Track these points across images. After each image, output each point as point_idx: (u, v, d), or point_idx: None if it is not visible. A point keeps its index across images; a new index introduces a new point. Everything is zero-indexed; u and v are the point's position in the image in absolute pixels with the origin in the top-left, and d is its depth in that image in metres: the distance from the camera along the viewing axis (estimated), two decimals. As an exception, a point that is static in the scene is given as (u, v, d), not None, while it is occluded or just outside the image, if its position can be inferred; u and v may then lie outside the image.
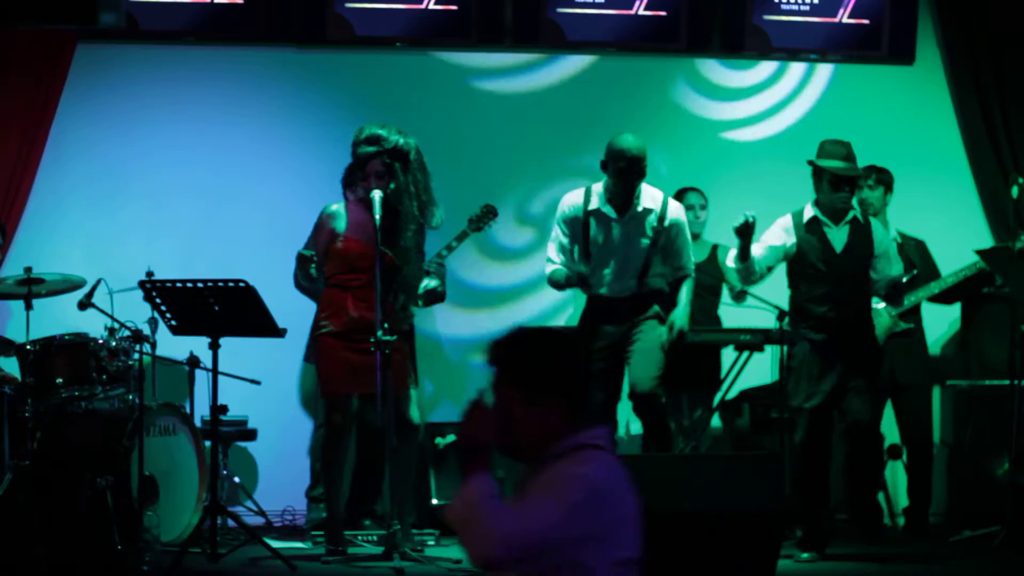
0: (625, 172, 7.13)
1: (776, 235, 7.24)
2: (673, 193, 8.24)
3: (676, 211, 7.30)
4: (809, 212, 7.23)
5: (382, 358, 6.73)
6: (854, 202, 7.31)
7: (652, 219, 7.23)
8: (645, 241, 7.21)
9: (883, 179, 8.07)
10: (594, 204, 7.23)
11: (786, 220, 7.28)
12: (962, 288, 8.16)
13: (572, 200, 7.32)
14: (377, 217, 6.86)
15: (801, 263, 7.21)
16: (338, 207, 7.18)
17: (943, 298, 8.30)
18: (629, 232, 7.21)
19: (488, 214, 7.92)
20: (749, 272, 7.19)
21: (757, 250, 7.17)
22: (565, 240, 7.31)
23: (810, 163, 7.25)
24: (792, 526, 7.39)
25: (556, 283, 7.37)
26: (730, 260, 7.31)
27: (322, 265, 7.14)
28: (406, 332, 7.28)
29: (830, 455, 7.21)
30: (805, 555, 7.13)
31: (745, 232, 7.06)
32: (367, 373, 6.81)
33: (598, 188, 7.28)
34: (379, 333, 6.73)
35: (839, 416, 7.17)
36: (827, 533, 7.22)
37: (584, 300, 7.41)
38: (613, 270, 7.22)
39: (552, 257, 7.34)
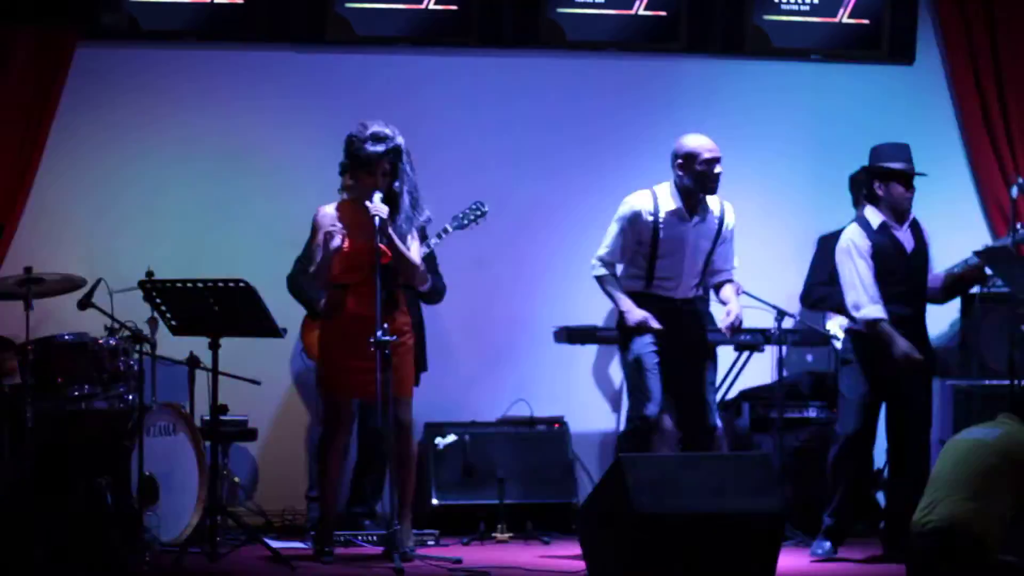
0: (710, 172, 7.11)
1: (863, 261, 7.27)
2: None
3: (733, 215, 7.33)
4: (877, 217, 7.31)
5: (382, 358, 6.73)
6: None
7: (715, 222, 7.24)
8: (707, 244, 7.23)
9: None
10: (667, 205, 7.17)
11: (855, 234, 7.30)
12: (956, 287, 8.14)
13: (641, 201, 7.21)
14: (378, 218, 6.85)
15: (878, 265, 7.27)
16: (330, 208, 7.16)
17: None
18: (698, 235, 7.21)
19: (473, 211, 7.89)
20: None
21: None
22: (626, 241, 7.20)
23: (874, 167, 7.28)
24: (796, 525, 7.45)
25: (603, 289, 7.29)
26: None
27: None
28: (415, 326, 7.26)
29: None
30: (821, 550, 7.18)
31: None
32: (368, 377, 6.79)
33: (664, 190, 7.21)
34: (378, 333, 6.73)
35: (898, 409, 7.27)
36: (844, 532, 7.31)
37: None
38: (679, 273, 7.20)
39: (604, 258, 7.24)
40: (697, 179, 7.13)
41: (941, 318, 8.63)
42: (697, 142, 7.16)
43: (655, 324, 7.08)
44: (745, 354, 8.20)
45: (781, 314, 7.66)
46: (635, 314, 7.11)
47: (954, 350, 8.72)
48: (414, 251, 7.09)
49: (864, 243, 7.26)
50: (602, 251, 7.27)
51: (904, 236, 7.34)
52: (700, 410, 7.21)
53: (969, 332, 8.46)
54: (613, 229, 7.25)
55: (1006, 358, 7.79)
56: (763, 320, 8.07)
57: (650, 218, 7.16)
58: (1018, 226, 8.02)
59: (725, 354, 8.30)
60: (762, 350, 8.24)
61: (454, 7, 8.61)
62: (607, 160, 8.83)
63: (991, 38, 8.93)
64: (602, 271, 7.27)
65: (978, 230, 8.93)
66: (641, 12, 8.75)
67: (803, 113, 9.03)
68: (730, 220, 7.30)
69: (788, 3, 8.86)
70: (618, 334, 7.36)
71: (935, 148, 9.00)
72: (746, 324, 8.12)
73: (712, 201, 7.27)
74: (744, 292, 7.88)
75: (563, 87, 8.87)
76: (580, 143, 8.84)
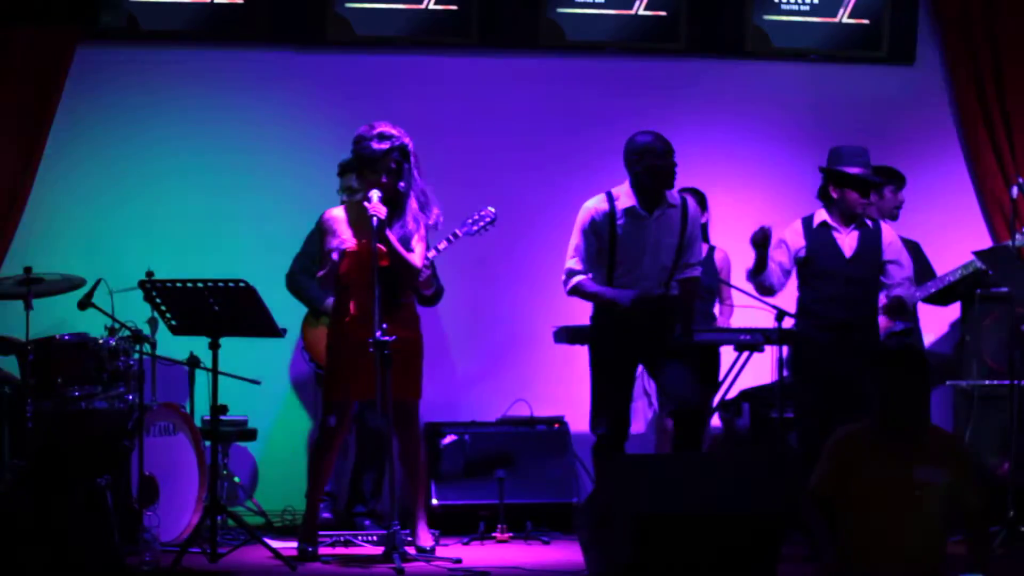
0: (661, 168, 7.05)
1: (785, 249, 7.30)
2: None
3: (695, 208, 7.28)
4: (820, 217, 7.31)
5: (381, 358, 6.73)
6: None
7: (676, 215, 7.17)
8: (672, 240, 7.18)
9: (897, 181, 8.14)
10: (624, 204, 7.12)
11: (796, 225, 7.37)
12: (957, 288, 8.16)
13: (597, 205, 7.16)
14: (376, 219, 6.85)
15: (810, 265, 7.26)
16: (339, 211, 7.17)
17: (939, 299, 8.30)
18: (659, 230, 7.13)
19: (483, 218, 7.88)
20: (763, 286, 7.25)
21: (772, 266, 7.26)
22: (589, 247, 7.15)
23: (829, 170, 7.27)
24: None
25: (589, 295, 7.19)
26: (743, 273, 7.36)
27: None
28: (418, 333, 7.27)
29: None
30: None
31: (762, 242, 7.11)
32: (371, 379, 6.80)
33: (621, 190, 7.17)
34: (377, 334, 6.73)
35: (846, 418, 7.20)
36: None
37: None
38: (644, 269, 7.13)
39: (575, 268, 7.17)
40: (652, 175, 7.07)
41: (941, 318, 8.64)
42: (645, 141, 7.10)
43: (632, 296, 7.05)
44: (745, 354, 8.20)
45: (781, 314, 7.65)
46: (625, 294, 7.04)
47: (954, 350, 8.72)
48: (418, 253, 7.07)
49: (795, 241, 7.25)
50: (569, 263, 7.19)
51: (845, 240, 7.28)
52: (676, 398, 7.12)
53: (969, 332, 8.47)
54: (575, 238, 7.18)
55: (1006, 358, 7.80)
56: (763, 320, 8.07)
57: (606, 218, 7.11)
58: (1022, 229, 8.04)
59: (725, 354, 8.30)
60: (762, 350, 8.23)
61: (454, 7, 8.61)
62: (607, 160, 8.81)
63: (991, 38, 8.94)
64: (575, 279, 7.16)
65: (978, 230, 8.93)
66: (641, 12, 8.76)
67: (803, 113, 9.03)
68: (694, 212, 7.21)
69: (788, 3, 8.86)
70: (590, 340, 7.32)
71: (935, 148, 9.01)
72: (746, 324, 8.14)
73: (671, 195, 7.21)
74: (744, 292, 7.89)
75: (563, 87, 8.88)
76: (580, 143, 8.85)
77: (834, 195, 7.29)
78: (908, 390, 5.44)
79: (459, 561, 6.93)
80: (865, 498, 5.42)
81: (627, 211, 7.11)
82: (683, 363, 7.12)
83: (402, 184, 7.02)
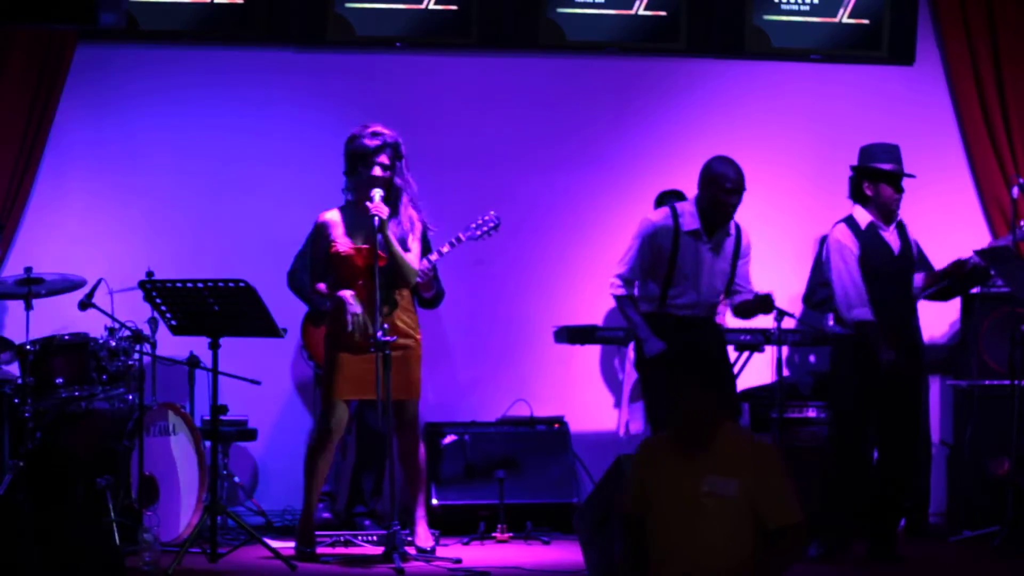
0: (729, 199, 7.07)
1: (852, 261, 7.26)
2: (658, 196, 8.25)
3: (749, 236, 7.29)
4: (865, 217, 7.31)
5: (381, 359, 6.73)
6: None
7: (731, 243, 7.20)
8: (726, 266, 7.18)
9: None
10: (688, 225, 7.11)
11: (843, 233, 7.30)
12: (954, 286, 8.14)
13: (661, 219, 7.16)
14: (377, 218, 6.86)
15: (864, 267, 7.25)
16: (333, 213, 7.17)
17: (939, 296, 8.29)
18: (715, 256, 7.15)
19: (487, 223, 7.88)
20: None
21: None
22: (644, 259, 7.13)
23: (864, 167, 7.28)
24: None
25: (621, 310, 7.22)
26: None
27: (326, 272, 7.14)
28: (417, 334, 7.26)
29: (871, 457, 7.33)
30: (813, 552, 7.18)
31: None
32: (370, 379, 6.80)
33: (686, 208, 7.16)
34: (378, 334, 6.73)
35: (887, 416, 7.24)
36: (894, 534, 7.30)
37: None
38: (696, 294, 7.13)
39: (627, 275, 7.15)
40: (712, 204, 7.10)
41: (941, 318, 8.63)
42: (722, 167, 7.11)
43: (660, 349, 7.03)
44: (745, 354, 8.20)
45: (781, 314, 7.65)
46: (654, 345, 7.04)
47: (954, 350, 8.72)
48: (414, 253, 7.08)
49: (852, 243, 7.26)
50: (621, 268, 7.18)
51: (891, 237, 7.34)
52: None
53: (969, 332, 8.46)
54: (633, 246, 7.18)
55: (1006, 358, 7.80)
56: (763, 320, 8.07)
57: (669, 237, 7.11)
58: (1022, 223, 8.03)
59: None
60: (762, 350, 8.24)
61: (454, 7, 8.61)
62: (607, 160, 8.83)
63: (991, 38, 8.93)
64: (621, 291, 7.17)
65: (978, 230, 8.93)
66: (641, 12, 8.75)
67: (803, 113, 9.02)
68: (746, 240, 7.26)
69: (788, 3, 8.85)
70: (635, 359, 7.35)
71: (935, 148, 9.01)
72: (746, 324, 8.14)
73: (729, 222, 7.25)
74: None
75: (563, 87, 8.87)
76: (580, 143, 8.84)
77: (868, 192, 7.32)
78: (689, 395, 4.86)
79: (459, 561, 6.94)
80: (661, 512, 4.88)
81: (689, 232, 7.11)
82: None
83: (398, 179, 7.03)
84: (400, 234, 7.05)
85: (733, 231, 7.22)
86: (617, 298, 7.20)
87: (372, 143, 7.03)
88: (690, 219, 7.13)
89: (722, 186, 7.07)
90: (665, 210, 7.21)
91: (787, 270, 8.76)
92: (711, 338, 7.21)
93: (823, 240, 8.27)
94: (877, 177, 7.31)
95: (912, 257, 7.40)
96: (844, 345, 7.28)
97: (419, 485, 7.23)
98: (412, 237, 7.10)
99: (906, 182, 7.96)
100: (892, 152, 7.36)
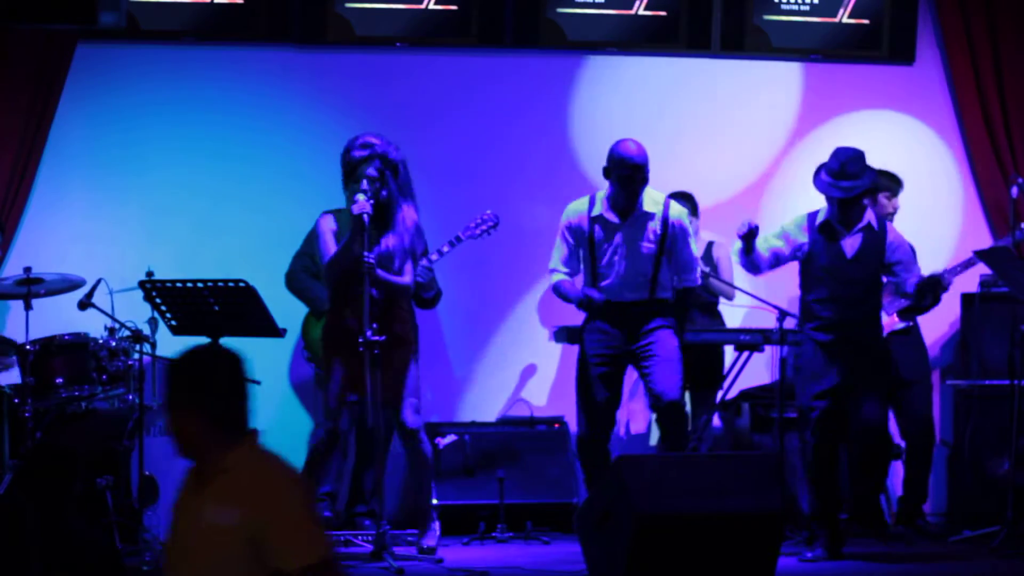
0: (628, 179, 7.13)
1: (788, 231, 7.31)
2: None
3: (677, 214, 7.28)
4: (824, 215, 7.28)
5: (371, 358, 6.74)
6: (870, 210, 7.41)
7: (654, 223, 7.21)
8: (648, 246, 7.20)
9: (893, 187, 8.11)
10: (597, 210, 7.22)
11: (801, 219, 7.35)
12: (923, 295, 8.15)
13: (576, 207, 7.31)
14: (365, 215, 6.85)
15: (811, 265, 7.26)
16: (334, 214, 7.17)
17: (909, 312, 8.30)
18: (633, 237, 7.19)
19: (486, 222, 7.88)
20: (755, 264, 7.26)
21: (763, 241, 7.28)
22: (569, 248, 7.30)
23: (816, 183, 7.27)
24: (799, 525, 7.46)
25: (563, 295, 7.35)
26: (733, 254, 7.38)
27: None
28: (412, 338, 7.26)
29: (838, 456, 7.26)
30: (811, 554, 7.17)
31: (748, 237, 7.13)
32: (363, 378, 6.81)
33: (602, 194, 7.27)
34: (368, 333, 6.73)
35: (848, 418, 7.22)
36: (842, 533, 7.26)
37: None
38: (620, 276, 7.20)
39: (557, 266, 7.33)
40: (621, 184, 7.15)
41: (941, 318, 8.63)
42: (621, 150, 7.17)
43: (597, 296, 7.12)
44: (745, 354, 8.20)
45: (782, 314, 7.65)
46: (593, 294, 7.14)
47: (954, 350, 8.72)
48: (406, 277, 7.08)
49: (798, 237, 7.26)
50: (552, 263, 7.35)
51: (848, 239, 7.25)
52: (653, 392, 7.17)
53: (969, 332, 8.47)
54: (557, 239, 7.34)
55: (1006, 358, 7.80)
56: (763, 320, 8.07)
57: (582, 222, 7.23)
58: (1022, 225, 8.03)
59: (725, 354, 8.31)
60: (762, 350, 8.23)
61: (454, 7, 8.61)
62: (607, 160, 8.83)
63: (991, 38, 8.93)
64: (552, 280, 7.33)
65: (978, 230, 8.93)
66: (641, 12, 8.75)
67: (803, 113, 9.02)
68: (674, 218, 7.23)
69: (788, 3, 8.85)
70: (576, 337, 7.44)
71: (935, 148, 9.01)
72: (746, 324, 8.14)
73: (655, 201, 7.24)
74: (744, 292, 7.89)
75: (563, 87, 8.87)
76: (580, 143, 8.84)
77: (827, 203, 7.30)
78: (172, 413, 4.30)
79: (440, 561, 6.93)
80: (171, 542, 4.36)
81: (598, 217, 7.21)
82: (665, 358, 7.16)
83: (384, 192, 7.01)
84: (390, 248, 7.02)
85: (662, 209, 7.22)
86: (552, 287, 7.34)
87: (359, 154, 7.03)
88: (601, 204, 7.22)
89: (620, 171, 7.13)
90: (584, 198, 7.32)
91: (787, 269, 8.75)
92: (642, 317, 7.18)
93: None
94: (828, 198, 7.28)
95: (874, 264, 7.28)
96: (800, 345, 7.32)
97: (426, 486, 7.22)
98: (403, 252, 7.06)
99: (907, 182, 7.98)
100: (840, 166, 7.16)
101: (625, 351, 7.21)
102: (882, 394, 7.34)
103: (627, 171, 7.12)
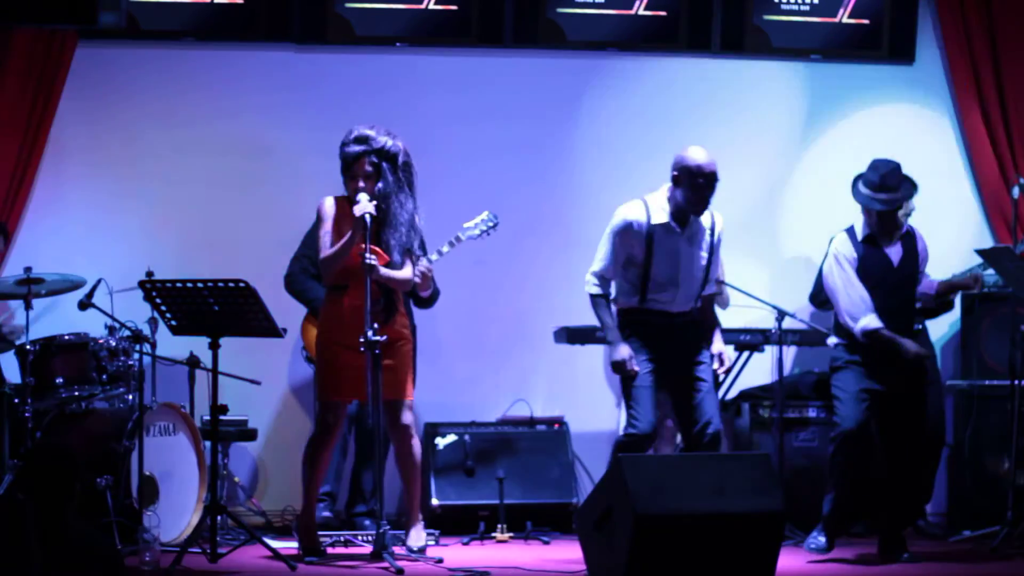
0: (703, 188, 6.93)
1: (846, 255, 7.24)
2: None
3: (722, 223, 7.19)
4: (864, 228, 7.27)
5: (372, 359, 6.73)
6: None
7: (707, 233, 7.08)
8: (703, 255, 7.08)
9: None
10: (660, 218, 7.00)
11: (843, 237, 7.28)
12: (950, 294, 8.16)
13: (634, 213, 7.03)
14: (368, 215, 6.84)
15: (862, 277, 7.22)
16: (331, 203, 7.15)
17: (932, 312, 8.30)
18: (691, 246, 7.04)
19: (486, 222, 7.87)
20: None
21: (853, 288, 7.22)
22: (617, 254, 7.04)
23: (857, 193, 7.25)
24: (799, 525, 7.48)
25: (598, 312, 7.10)
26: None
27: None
28: (410, 335, 7.26)
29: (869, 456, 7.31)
30: (814, 543, 7.19)
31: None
32: (361, 376, 6.80)
33: (657, 201, 7.04)
34: (368, 333, 6.73)
35: (895, 417, 7.23)
36: (903, 540, 7.28)
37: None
38: (675, 286, 7.02)
39: (602, 272, 7.08)
40: (695, 192, 6.95)
41: (941, 318, 8.63)
42: (696, 158, 6.94)
43: (635, 367, 6.94)
44: (745, 354, 8.20)
45: (781, 314, 7.64)
46: (619, 352, 6.96)
47: (954, 350, 8.72)
48: (406, 271, 7.06)
49: (850, 253, 7.22)
50: (596, 266, 7.09)
51: (892, 248, 7.26)
52: (698, 420, 7.00)
53: (969, 332, 8.47)
54: (605, 242, 7.07)
55: (1006, 358, 7.80)
56: (763, 320, 8.08)
57: (642, 230, 7.00)
58: (1021, 239, 8.03)
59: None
60: (762, 350, 8.24)
61: (454, 7, 8.61)
62: (607, 160, 8.83)
63: (991, 38, 8.93)
64: (596, 289, 7.07)
65: (978, 230, 8.93)
66: (641, 12, 8.76)
67: (803, 113, 9.02)
68: (719, 228, 7.13)
69: (788, 3, 8.86)
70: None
71: (935, 148, 9.01)
72: (746, 324, 8.14)
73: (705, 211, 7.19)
74: (744, 292, 7.89)
75: (563, 87, 8.87)
76: (580, 143, 8.85)
77: (863, 213, 7.28)
78: None
79: (440, 561, 6.93)
80: None
81: (662, 224, 7.00)
82: (711, 389, 7.09)
83: (379, 186, 6.99)
84: (395, 240, 7.01)
85: (709, 219, 7.10)
86: (591, 297, 7.10)
87: (353, 150, 7.01)
88: (661, 210, 7.01)
89: (695, 179, 6.93)
90: (637, 203, 7.08)
91: (787, 269, 8.77)
92: (690, 337, 7.09)
93: (832, 240, 8.29)
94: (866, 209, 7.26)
95: (915, 268, 7.30)
96: (850, 348, 7.24)
97: (414, 486, 7.19)
98: (401, 249, 7.04)
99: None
100: (880, 178, 7.17)
101: (670, 364, 7.03)
102: (939, 387, 7.65)
103: (703, 179, 6.92)
